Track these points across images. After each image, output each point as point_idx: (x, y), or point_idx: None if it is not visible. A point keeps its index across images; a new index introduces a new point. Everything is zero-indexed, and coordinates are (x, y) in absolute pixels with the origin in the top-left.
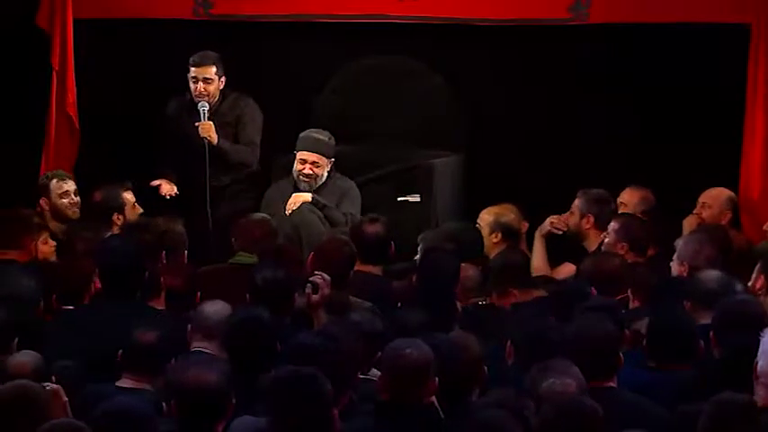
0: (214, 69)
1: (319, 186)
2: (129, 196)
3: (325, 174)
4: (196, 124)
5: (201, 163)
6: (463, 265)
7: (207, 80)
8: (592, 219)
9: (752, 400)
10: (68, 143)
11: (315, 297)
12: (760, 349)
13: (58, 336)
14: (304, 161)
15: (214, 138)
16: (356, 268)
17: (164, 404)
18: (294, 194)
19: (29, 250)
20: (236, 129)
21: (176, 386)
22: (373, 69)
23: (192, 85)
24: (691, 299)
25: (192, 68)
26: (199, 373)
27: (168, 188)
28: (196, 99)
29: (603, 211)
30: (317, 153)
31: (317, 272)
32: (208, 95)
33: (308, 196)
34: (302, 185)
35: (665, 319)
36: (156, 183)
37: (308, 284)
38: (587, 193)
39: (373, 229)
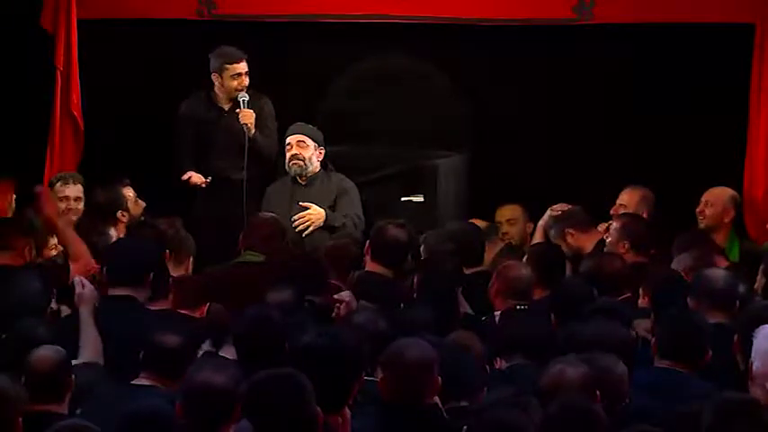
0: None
1: (314, 181)
2: (129, 192)
3: (315, 159)
4: (237, 111)
5: (221, 160)
6: (513, 263)
7: (246, 72)
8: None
9: (756, 399)
10: (73, 143)
11: (342, 312)
12: (753, 350)
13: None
14: (290, 145)
15: (252, 126)
16: (367, 268)
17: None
18: (307, 213)
19: (23, 253)
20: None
21: (183, 387)
22: (377, 69)
23: (232, 82)
24: (696, 298)
25: (236, 65)
26: (207, 375)
27: (198, 179)
28: (237, 92)
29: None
30: (300, 134)
31: (342, 292)
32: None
33: (319, 220)
34: (293, 171)
35: (685, 318)
36: (186, 176)
37: (337, 306)
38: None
39: (395, 232)
